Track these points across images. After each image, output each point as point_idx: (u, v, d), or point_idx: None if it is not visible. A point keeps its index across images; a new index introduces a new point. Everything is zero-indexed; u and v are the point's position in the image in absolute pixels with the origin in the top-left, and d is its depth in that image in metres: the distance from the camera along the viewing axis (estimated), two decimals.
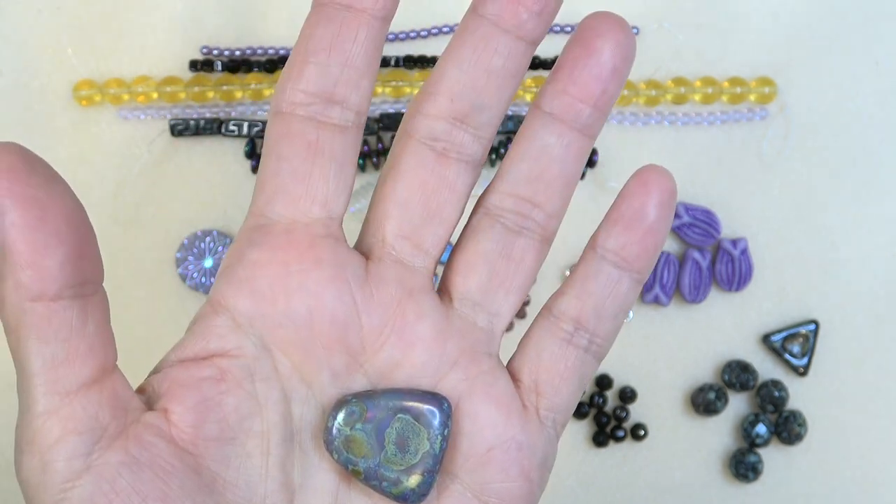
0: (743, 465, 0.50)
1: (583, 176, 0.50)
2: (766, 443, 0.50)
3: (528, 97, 0.50)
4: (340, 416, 0.27)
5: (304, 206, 0.28)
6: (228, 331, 0.27)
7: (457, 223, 0.29)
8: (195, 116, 0.50)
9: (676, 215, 0.50)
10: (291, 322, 0.28)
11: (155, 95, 0.49)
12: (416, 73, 0.50)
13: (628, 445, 0.51)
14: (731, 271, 0.50)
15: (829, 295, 0.51)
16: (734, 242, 0.50)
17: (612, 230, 0.29)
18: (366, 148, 0.50)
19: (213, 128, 0.49)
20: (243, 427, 0.27)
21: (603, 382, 0.50)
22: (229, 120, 0.49)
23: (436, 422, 0.28)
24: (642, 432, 0.50)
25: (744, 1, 0.51)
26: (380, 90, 0.50)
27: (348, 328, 0.28)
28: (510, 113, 0.50)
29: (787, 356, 0.50)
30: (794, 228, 0.51)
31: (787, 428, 0.50)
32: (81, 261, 0.25)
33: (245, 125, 0.49)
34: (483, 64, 0.28)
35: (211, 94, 0.49)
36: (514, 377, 0.30)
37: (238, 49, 0.50)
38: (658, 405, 0.51)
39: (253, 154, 0.49)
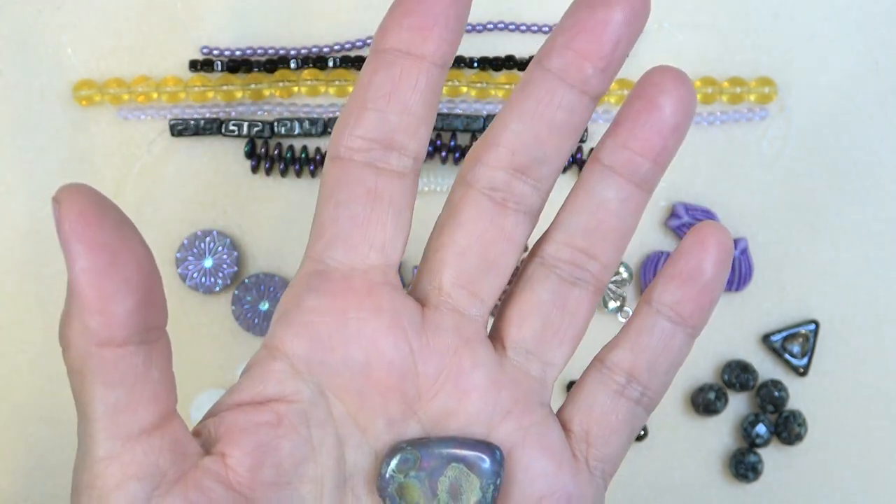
0: (743, 465, 0.50)
1: None
2: (766, 443, 0.50)
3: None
4: (394, 463, 0.27)
5: (363, 253, 0.28)
6: (286, 376, 0.27)
7: (511, 272, 0.29)
8: (195, 116, 0.50)
9: (676, 215, 0.50)
10: (349, 369, 0.28)
11: (155, 95, 0.49)
12: None
13: None
14: (730, 271, 0.50)
15: (829, 295, 0.51)
16: (734, 242, 0.50)
17: (669, 286, 0.30)
18: None
19: (213, 128, 0.49)
20: (298, 472, 0.27)
21: None
22: (229, 120, 0.49)
23: (489, 471, 0.27)
24: (642, 432, 0.50)
25: (744, 1, 0.51)
26: None
27: (405, 376, 0.28)
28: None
29: (787, 356, 0.50)
30: (794, 228, 0.51)
31: (787, 428, 0.50)
32: (149, 307, 0.25)
33: (245, 125, 0.49)
34: (546, 118, 0.28)
35: (211, 94, 0.49)
36: (564, 426, 0.30)
37: (238, 49, 0.50)
38: (658, 405, 0.51)
39: (253, 154, 0.49)
